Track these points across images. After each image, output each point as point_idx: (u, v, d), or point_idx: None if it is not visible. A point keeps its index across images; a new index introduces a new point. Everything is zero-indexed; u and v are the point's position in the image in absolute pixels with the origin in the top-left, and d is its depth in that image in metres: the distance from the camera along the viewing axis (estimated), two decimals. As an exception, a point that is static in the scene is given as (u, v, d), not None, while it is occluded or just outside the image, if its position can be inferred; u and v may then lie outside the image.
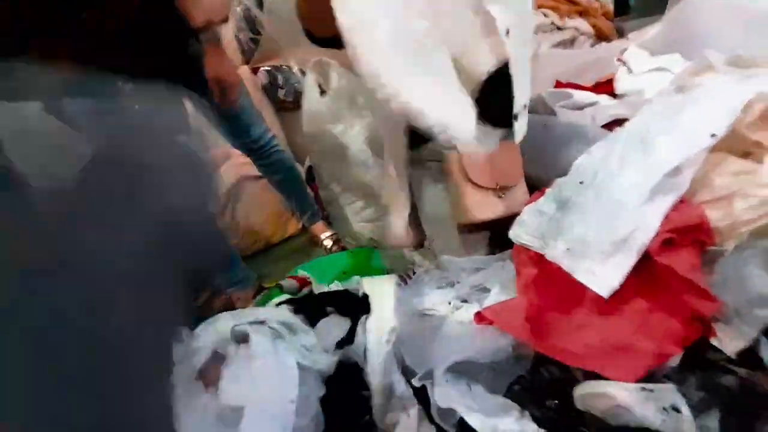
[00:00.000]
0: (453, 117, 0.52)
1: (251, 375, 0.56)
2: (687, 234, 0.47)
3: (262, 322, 0.64)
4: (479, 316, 0.59)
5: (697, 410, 0.40)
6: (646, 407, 0.41)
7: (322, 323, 0.70)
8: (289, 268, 1.09)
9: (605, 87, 1.17)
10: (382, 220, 1.12)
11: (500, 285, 0.68)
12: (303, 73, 1.64)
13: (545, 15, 1.70)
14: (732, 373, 0.44)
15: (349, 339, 0.66)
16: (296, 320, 0.66)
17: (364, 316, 0.67)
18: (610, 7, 1.95)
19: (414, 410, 0.59)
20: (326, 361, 0.61)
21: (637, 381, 0.44)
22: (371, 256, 1.10)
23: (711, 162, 0.49)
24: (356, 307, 0.70)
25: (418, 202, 1.02)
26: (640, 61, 1.19)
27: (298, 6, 0.64)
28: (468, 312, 0.64)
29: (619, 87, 1.15)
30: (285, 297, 0.82)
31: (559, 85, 1.18)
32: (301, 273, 0.99)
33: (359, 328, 0.65)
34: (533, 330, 0.54)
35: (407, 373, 0.60)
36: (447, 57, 0.54)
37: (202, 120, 1.00)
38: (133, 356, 0.34)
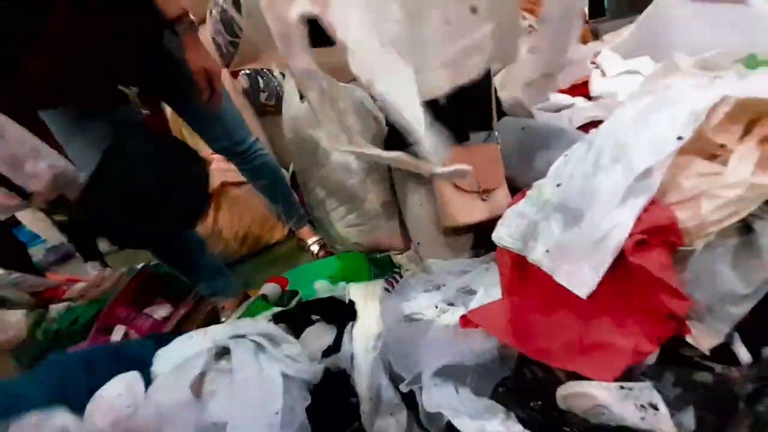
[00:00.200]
0: (416, 121, 0.52)
1: (233, 390, 0.55)
2: (657, 234, 0.48)
3: (242, 336, 0.63)
4: (464, 320, 0.60)
5: (674, 407, 0.42)
6: (625, 406, 0.42)
7: (308, 332, 0.70)
8: (277, 275, 1.08)
9: (581, 89, 1.20)
10: (366, 224, 1.12)
11: (485, 287, 0.69)
12: (284, 75, 1.63)
13: (523, 17, 1.73)
14: (707, 369, 0.45)
15: (335, 347, 0.66)
16: (278, 331, 0.66)
17: (350, 324, 0.67)
18: (585, 9, 2.00)
19: (402, 415, 0.59)
20: (312, 370, 0.61)
21: (616, 379, 0.45)
22: (358, 261, 1.09)
23: (679, 164, 0.50)
24: (342, 314, 0.70)
25: (402, 206, 1.02)
26: (612, 63, 1.23)
27: None
28: (454, 315, 0.65)
29: (594, 89, 1.19)
30: (275, 310, 0.81)
31: (537, 87, 1.20)
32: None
33: (345, 336, 0.65)
34: (516, 332, 0.55)
35: (395, 379, 0.60)
36: (410, 66, 0.55)
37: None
38: None
